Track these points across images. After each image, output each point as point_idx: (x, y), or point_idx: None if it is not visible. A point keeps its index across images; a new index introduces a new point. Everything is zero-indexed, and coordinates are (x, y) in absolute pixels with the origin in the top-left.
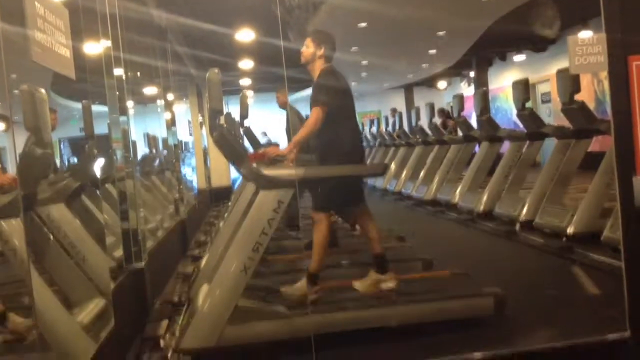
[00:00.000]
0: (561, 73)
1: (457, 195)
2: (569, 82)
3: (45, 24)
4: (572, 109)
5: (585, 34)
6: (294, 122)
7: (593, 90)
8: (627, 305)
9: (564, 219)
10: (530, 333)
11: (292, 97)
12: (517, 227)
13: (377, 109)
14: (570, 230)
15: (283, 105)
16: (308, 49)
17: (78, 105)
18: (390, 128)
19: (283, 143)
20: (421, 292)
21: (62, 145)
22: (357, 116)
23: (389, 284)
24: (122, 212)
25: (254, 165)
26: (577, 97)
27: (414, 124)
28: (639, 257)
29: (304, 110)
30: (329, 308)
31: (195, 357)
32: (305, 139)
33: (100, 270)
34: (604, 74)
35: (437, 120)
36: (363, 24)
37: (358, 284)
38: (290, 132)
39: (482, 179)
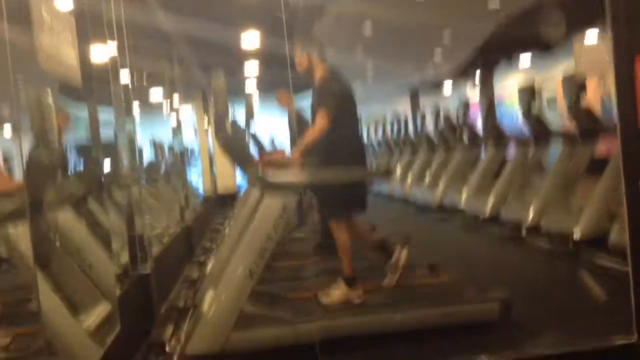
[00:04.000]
0: (567, 76)
1: (463, 200)
2: (575, 85)
3: (52, 30)
4: (578, 112)
5: (590, 36)
6: (298, 124)
7: (599, 94)
8: (634, 310)
9: (571, 224)
10: (536, 338)
11: (297, 100)
12: (524, 231)
13: (382, 113)
14: (576, 234)
15: (284, 104)
16: (302, 61)
17: (85, 112)
18: (395, 132)
19: (286, 147)
20: (426, 297)
21: (69, 150)
22: (361, 119)
23: (357, 298)
24: (128, 217)
25: (260, 170)
26: (583, 99)
27: (419, 128)
28: None
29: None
30: (334, 314)
31: None
32: (312, 144)
33: (106, 276)
34: (610, 77)
35: (443, 124)
36: (368, 28)
37: (323, 299)
38: (294, 134)
39: (488, 183)
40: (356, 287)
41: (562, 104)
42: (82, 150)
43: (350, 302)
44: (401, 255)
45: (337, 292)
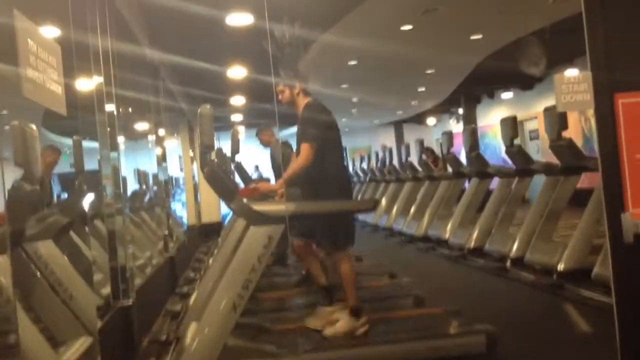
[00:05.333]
0: (548, 110)
1: (447, 231)
2: (556, 119)
3: (38, 60)
4: (560, 146)
5: (571, 72)
6: (285, 156)
7: (580, 128)
8: (618, 342)
9: (554, 256)
10: None
11: (285, 133)
12: (508, 263)
13: (367, 144)
14: (560, 267)
15: (267, 144)
16: (284, 93)
17: (68, 141)
18: (380, 164)
19: (271, 178)
20: (412, 329)
21: (53, 181)
22: (345, 150)
23: (362, 329)
24: (110, 248)
25: (245, 200)
26: (565, 134)
27: (404, 159)
28: (629, 294)
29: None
30: (318, 347)
31: None
32: (296, 175)
33: (87, 308)
34: (590, 112)
35: (425, 158)
36: (353, 62)
37: (328, 331)
38: (279, 167)
39: (473, 215)
40: (361, 318)
41: (544, 137)
42: (65, 180)
43: (354, 333)
44: (362, 325)
45: (341, 323)
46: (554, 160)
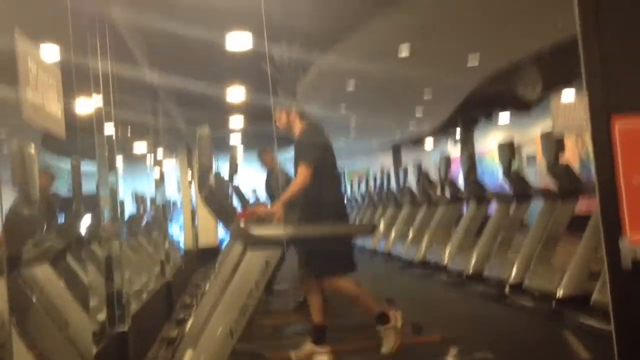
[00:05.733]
0: (545, 134)
1: (446, 256)
2: (553, 143)
3: (38, 82)
4: (557, 170)
5: (568, 95)
6: (282, 181)
7: (577, 152)
8: None
9: (553, 282)
10: None
11: (283, 156)
12: (507, 289)
13: (365, 167)
14: (559, 293)
15: (269, 165)
16: (281, 119)
17: (66, 163)
18: (378, 187)
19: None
20: (411, 357)
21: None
22: (343, 173)
23: (323, 357)
24: (107, 273)
25: (242, 224)
26: (562, 158)
27: (401, 183)
28: (627, 319)
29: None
30: None
31: None
32: (293, 198)
33: (82, 334)
34: (587, 135)
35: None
36: (351, 85)
37: (294, 355)
38: (274, 190)
39: (471, 239)
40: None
41: (541, 161)
42: (62, 203)
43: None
44: (322, 356)
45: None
46: (551, 184)
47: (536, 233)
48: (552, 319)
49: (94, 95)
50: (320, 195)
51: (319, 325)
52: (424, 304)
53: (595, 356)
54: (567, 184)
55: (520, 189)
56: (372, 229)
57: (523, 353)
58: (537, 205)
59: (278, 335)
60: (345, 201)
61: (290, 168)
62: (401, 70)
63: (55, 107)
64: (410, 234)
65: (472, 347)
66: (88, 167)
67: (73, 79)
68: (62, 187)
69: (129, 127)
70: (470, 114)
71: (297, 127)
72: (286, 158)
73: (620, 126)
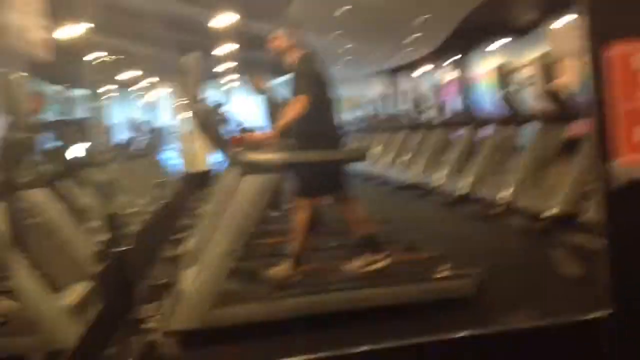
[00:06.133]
0: (540, 58)
1: (439, 178)
2: (548, 67)
3: (23, 9)
4: (552, 94)
5: (564, 20)
6: (274, 106)
7: (571, 76)
8: (609, 284)
9: (544, 202)
10: (511, 313)
11: (274, 82)
12: (498, 210)
13: (360, 93)
14: (550, 212)
15: (259, 90)
16: (279, 41)
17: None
18: (373, 113)
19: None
20: (402, 274)
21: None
22: (338, 101)
23: (382, 262)
24: (105, 196)
25: (238, 150)
26: (558, 81)
27: (397, 108)
28: (618, 239)
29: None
30: (311, 290)
31: (181, 338)
32: (289, 126)
33: (84, 254)
34: (582, 60)
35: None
36: (344, 9)
37: (350, 266)
38: (270, 117)
39: (464, 162)
40: (300, 267)
41: (535, 85)
42: (56, 129)
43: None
44: (381, 262)
45: (281, 268)
46: (545, 108)
47: (530, 155)
48: (542, 238)
49: (83, 20)
50: (317, 124)
51: (371, 235)
52: (416, 223)
53: (585, 271)
54: (562, 107)
55: (515, 112)
56: (363, 154)
57: (512, 270)
58: (530, 129)
59: (277, 254)
60: (341, 128)
61: (282, 93)
62: None
63: (41, 32)
64: (405, 158)
65: (461, 264)
66: (79, 93)
67: (60, 5)
68: (55, 113)
69: (120, 52)
70: (466, 39)
71: (296, 55)
72: (279, 84)
73: (614, 51)
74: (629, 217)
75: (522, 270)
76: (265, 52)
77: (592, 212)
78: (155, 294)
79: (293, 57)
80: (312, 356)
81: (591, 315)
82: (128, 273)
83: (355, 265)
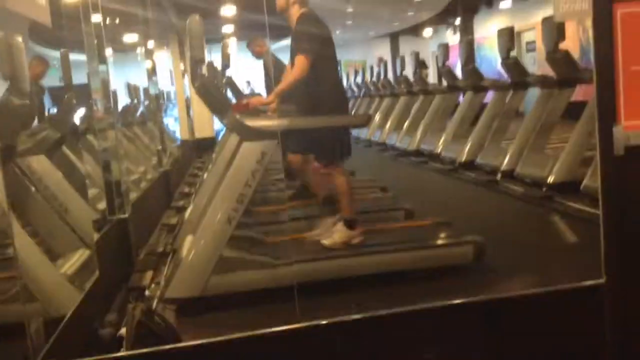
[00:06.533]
0: (546, 21)
1: (440, 145)
2: (554, 30)
3: None
4: (556, 57)
5: None
6: (275, 70)
7: (578, 39)
8: (603, 252)
9: (545, 169)
10: (508, 280)
11: (276, 46)
12: (499, 176)
13: (362, 58)
14: (550, 179)
15: (259, 55)
16: (280, 2)
17: (56, 54)
18: (375, 78)
19: (263, 93)
20: (402, 241)
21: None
22: (340, 64)
23: (357, 239)
24: (104, 163)
25: (237, 116)
26: (562, 45)
27: (399, 73)
28: (616, 205)
29: (285, 58)
30: (310, 257)
31: (180, 306)
32: (290, 88)
33: (83, 221)
34: (589, 23)
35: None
36: None
37: (326, 241)
38: (270, 81)
39: (466, 128)
40: (356, 229)
41: (540, 48)
42: (54, 94)
43: (350, 243)
44: (356, 238)
45: (338, 234)
46: (550, 72)
47: (531, 121)
48: (542, 205)
49: None
50: (319, 87)
51: (327, 196)
52: (416, 190)
53: (583, 240)
54: (565, 72)
55: (518, 77)
56: (367, 119)
57: (512, 236)
58: (534, 94)
59: (275, 221)
60: (343, 92)
61: (282, 58)
62: None
63: None
64: (406, 124)
65: (462, 231)
66: (78, 57)
67: None
68: (54, 78)
69: (118, 16)
70: (471, 0)
71: (296, 14)
72: (279, 48)
73: (622, 13)
74: (628, 184)
75: (520, 237)
76: (265, 14)
77: (589, 178)
78: (155, 262)
79: (294, 17)
80: (312, 323)
81: (583, 284)
82: (126, 240)
83: (317, 232)
